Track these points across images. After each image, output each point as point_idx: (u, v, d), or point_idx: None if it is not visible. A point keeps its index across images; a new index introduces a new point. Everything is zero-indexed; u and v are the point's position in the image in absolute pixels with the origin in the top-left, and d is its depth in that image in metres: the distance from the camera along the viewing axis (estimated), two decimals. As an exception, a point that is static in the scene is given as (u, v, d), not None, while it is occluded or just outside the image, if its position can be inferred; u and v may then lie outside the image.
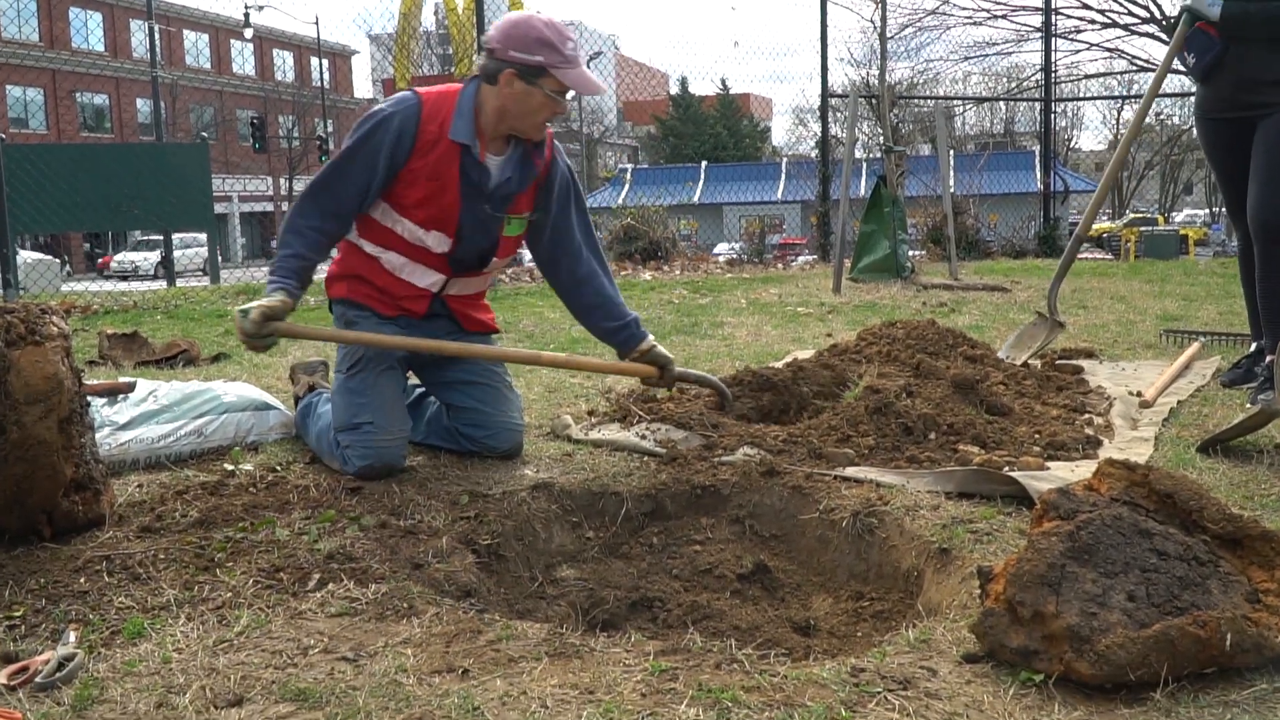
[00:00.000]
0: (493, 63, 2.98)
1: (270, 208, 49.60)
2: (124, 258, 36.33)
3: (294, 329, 3.07)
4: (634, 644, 2.01)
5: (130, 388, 3.45)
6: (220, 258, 13.83)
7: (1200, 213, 51.95)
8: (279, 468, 3.22)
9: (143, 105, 42.71)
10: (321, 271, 3.25)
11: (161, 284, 14.18)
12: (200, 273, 31.19)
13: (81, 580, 2.32)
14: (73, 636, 2.01)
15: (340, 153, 3.07)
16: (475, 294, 3.38)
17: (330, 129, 41.76)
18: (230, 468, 3.20)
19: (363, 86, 58.54)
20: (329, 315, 3.43)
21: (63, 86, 40.95)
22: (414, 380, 3.54)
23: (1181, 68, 4.26)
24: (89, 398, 2.80)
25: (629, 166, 43.88)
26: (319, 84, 44.53)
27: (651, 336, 3.36)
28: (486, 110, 3.05)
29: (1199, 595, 1.76)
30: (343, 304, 3.27)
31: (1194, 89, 4.24)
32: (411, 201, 3.09)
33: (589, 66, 3.11)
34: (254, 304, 2.88)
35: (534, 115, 3.03)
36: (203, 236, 34.84)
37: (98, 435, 2.95)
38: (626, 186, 33.59)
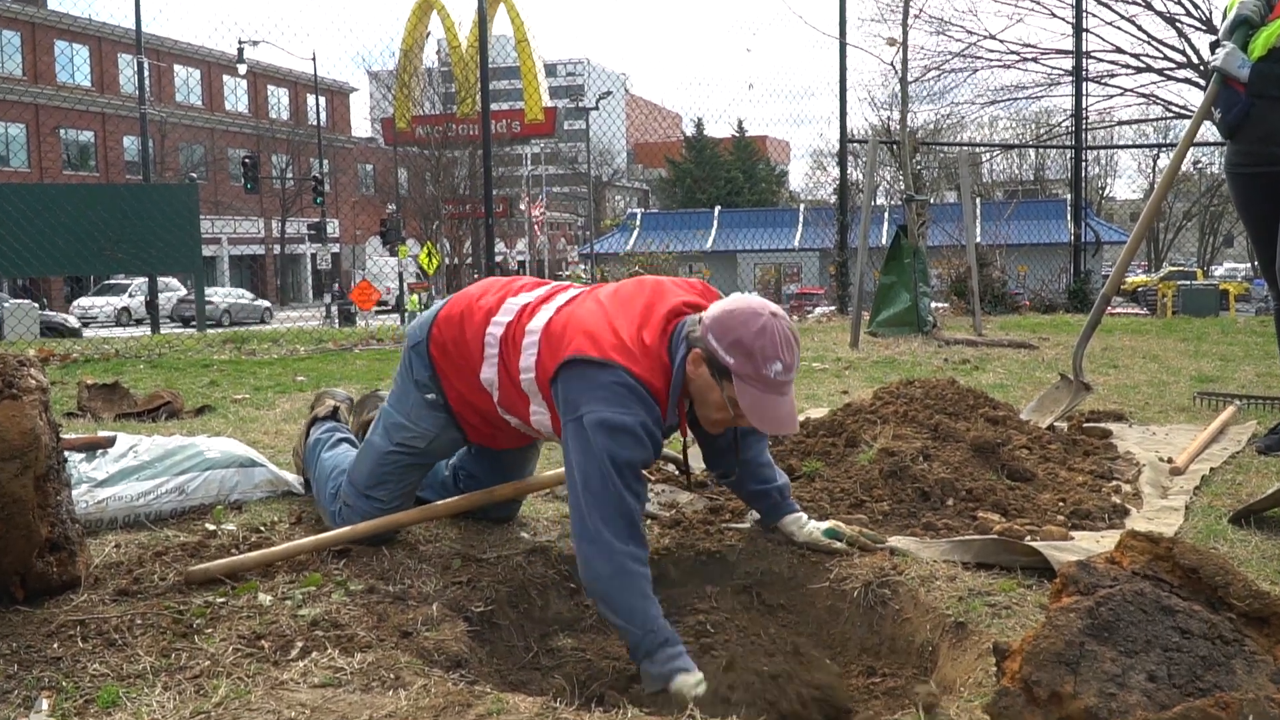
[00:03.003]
0: (696, 332, 2.63)
1: (261, 250, 49.95)
2: (87, 303, 35.30)
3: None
4: (630, 720, 2.03)
5: (110, 443, 3.48)
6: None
7: (1242, 266, 51.92)
8: (263, 528, 3.25)
9: (130, 143, 43.12)
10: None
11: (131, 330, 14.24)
12: (168, 319, 31.18)
13: (55, 645, 2.34)
14: (45, 704, 2.03)
15: (608, 469, 2.51)
16: None
17: (325, 168, 42.12)
18: (212, 528, 3.22)
19: (361, 125, 59.17)
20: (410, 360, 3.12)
21: (46, 122, 41.39)
22: None
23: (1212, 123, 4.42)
24: (66, 453, 2.84)
25: (638, 211, 44.15)
26: (315, 122, 44.99)
27: None
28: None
29: (1222, 676, 1.77)
30: (445, 406, 3.05)
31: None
32: None
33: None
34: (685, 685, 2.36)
35: (706, 410, 2.68)
36: (174, 281, 34.91)
37: (74, 492, 2.98)
38: (635, 232, 33.83)
